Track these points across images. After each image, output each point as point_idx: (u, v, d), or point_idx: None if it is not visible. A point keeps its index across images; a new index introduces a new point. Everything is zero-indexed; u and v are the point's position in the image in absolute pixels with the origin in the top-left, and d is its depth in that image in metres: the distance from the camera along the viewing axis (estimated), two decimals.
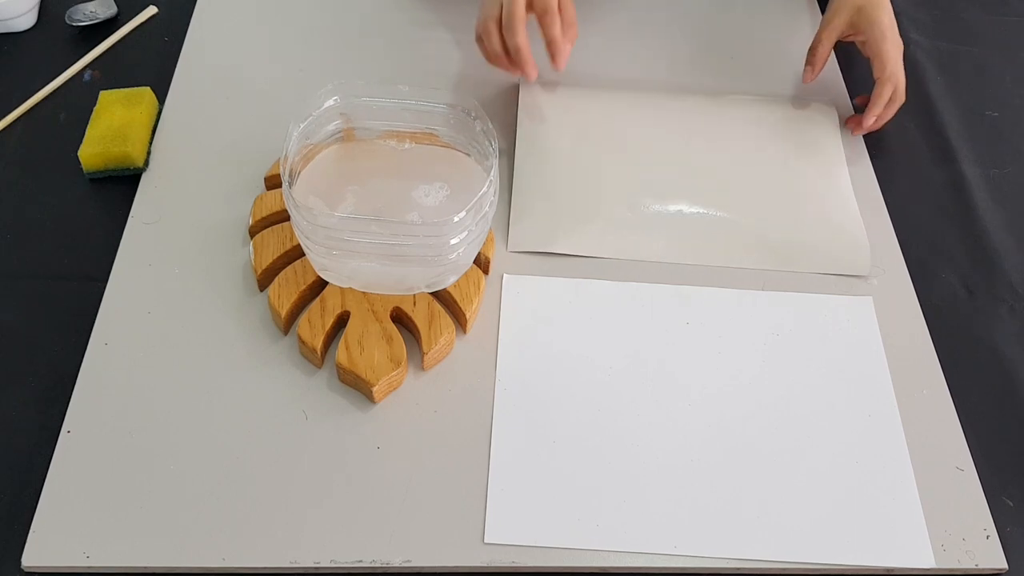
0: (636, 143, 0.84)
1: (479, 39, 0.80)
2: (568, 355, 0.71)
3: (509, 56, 0.78)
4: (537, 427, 0.66)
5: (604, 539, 0.62)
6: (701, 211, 0.79)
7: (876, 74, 0.83)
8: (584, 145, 0.83)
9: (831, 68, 0.94)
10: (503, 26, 0.77)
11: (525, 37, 0.76)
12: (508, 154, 0.83)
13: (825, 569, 0.62)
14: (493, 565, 0.60)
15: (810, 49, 0.88)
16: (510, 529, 0.62)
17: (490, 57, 0.81)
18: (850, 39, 0.87)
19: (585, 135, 0.84)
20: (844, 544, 0.62)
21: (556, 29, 0.76)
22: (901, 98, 0.84)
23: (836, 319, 0.74)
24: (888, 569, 0.62)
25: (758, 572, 0.62)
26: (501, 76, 0.89)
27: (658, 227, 0.78)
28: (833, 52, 0.90)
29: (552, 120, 0.85)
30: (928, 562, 0.62)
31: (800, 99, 0.89)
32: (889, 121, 0.85)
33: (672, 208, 0.79)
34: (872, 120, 0.84)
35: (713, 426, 0.67)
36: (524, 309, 0.73)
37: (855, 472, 0.66)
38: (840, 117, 0.88)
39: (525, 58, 0.77)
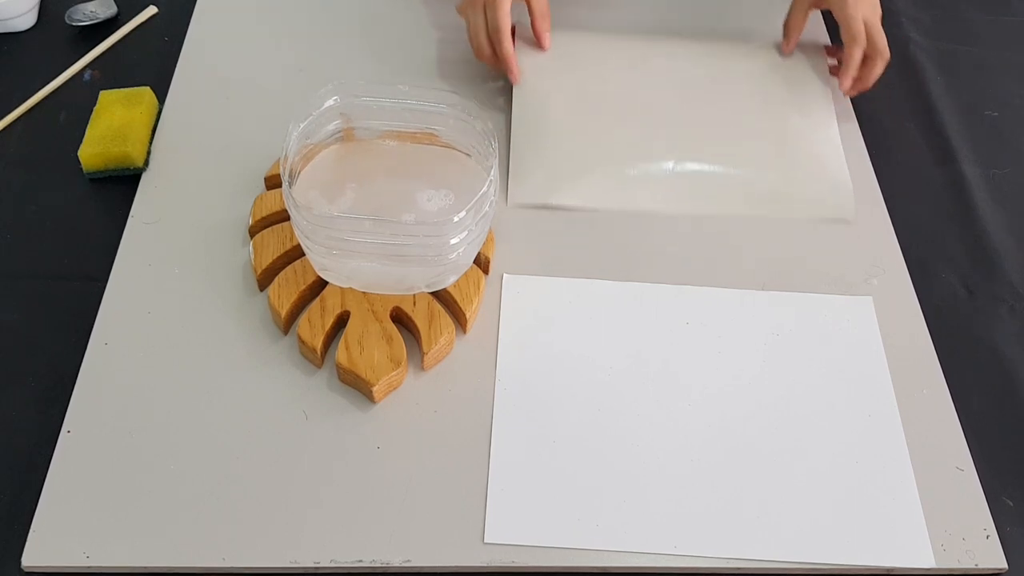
0: (630, 98, 0.85)
1: (472, 45, 0.86)
2: (568, 355, 0.71)
3: (497, 59, 0.84)
4: (537, 427, 0.66)
5: (604, 539, 0.62)
6: (693, 161, 0.82)
7: (843, 37, 0.84)
8: (579, 101, 0.85)
9: (816, 34, 0.94)
10: (490, 37, 0.83)
11: (511, 46, 0.83)
12: (505, 111, 0.86)
13: (825, 569, 0.62)
14: (493, 565, 0.60)
15: (785, 22, 0.89)
16: (510, 529, 0.62)
17: (480, 57, 0.86)
18: (823, 6, 0.87)
19: (580, 91, 0.85)
20: (844, 544, 0.62)
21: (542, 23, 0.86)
22: (883, 57, 0.84)
23: (836, 319, 0.74)
24: (888, 569, 0.62)
25: (758, 572, 0.62)
26: (500, 75, 0.89)
27: (653, 178, 0.81)
28: (823, 20, 0.94)
29: (547, 77, 0.87)
30: (928, 562, 0.62)
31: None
32: (877, 82, 0.85)
33: (666, 160, 0.82)
34: (848, 82, 0.85)
35: (713, 426, 0.67)
36: (524, 309, 0.73)
37: (855, 472, 0.66)
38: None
39: (511, 66, 0.84)
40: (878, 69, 0.84)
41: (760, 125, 0.84)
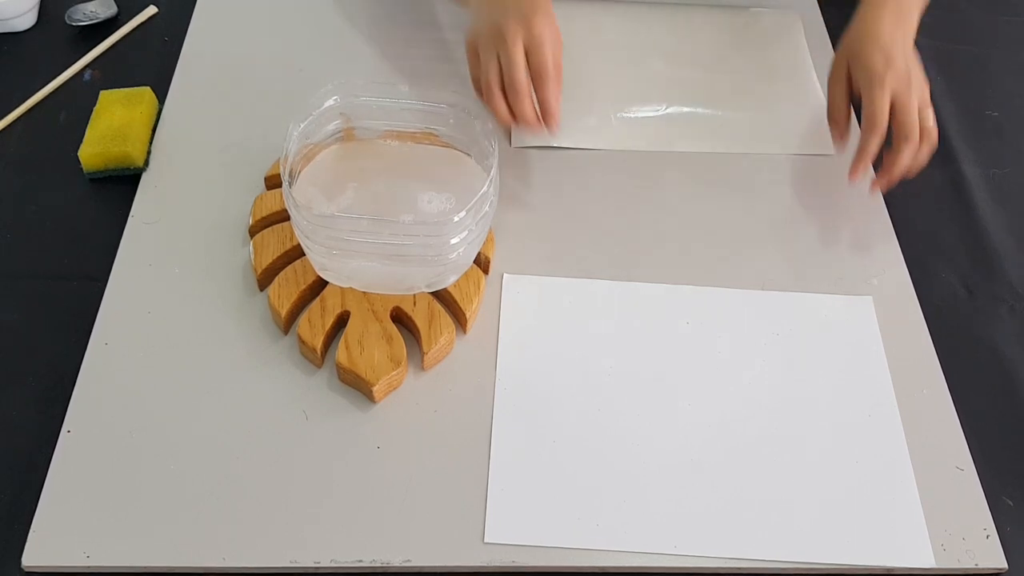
0: (624, 52, 0.91)
1: (477, 87, 0.77)
2: (568, 354, 0.70)
3: (513, 114, 0.75)
4: (537, 427, 0.66)
5: (605, 539, 0.62)
6: (682, 106, 0.88)
7: (862, 118, 0.75)
8: (577, 58, 0.87)
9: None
10: (507, 93, 0.74)
11: (531, 104, 0.74)
12: None
13: (825, 569, 0.62)
14: (493, 565, 0.60)
15: (827, 111, 0.80)
16: (510, 529, 0.62)
17: (491, 101, 0.76)
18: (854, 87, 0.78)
19: (577, 49, 0.89)
20: (844, 544, 0.62)
21: (551, 93, 0.73)
22: (908, 141, 0.73)
23: (836, 319, 0.74)
24: (888, 569, 0.62)
25: (758, 572, 0.62)
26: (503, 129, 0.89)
27: (646, 122, 0.87)
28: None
29: None
30: (928, 561, 0.62)
31: (765, 10, 0.97)
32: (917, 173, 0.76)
33: (658, 105, 0.88)
34: (858, 173, 0.74)
35: (713, 426, 0.67)
36: (524, 309, 0.73)
37: (855, 472, 0.66)
38: (805, 29, 0.96)
39: (531, 123, 0.74)
40: (904, 157, 0.73)
41: (742, 73, 0.91)
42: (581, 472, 0.65)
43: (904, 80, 0.73)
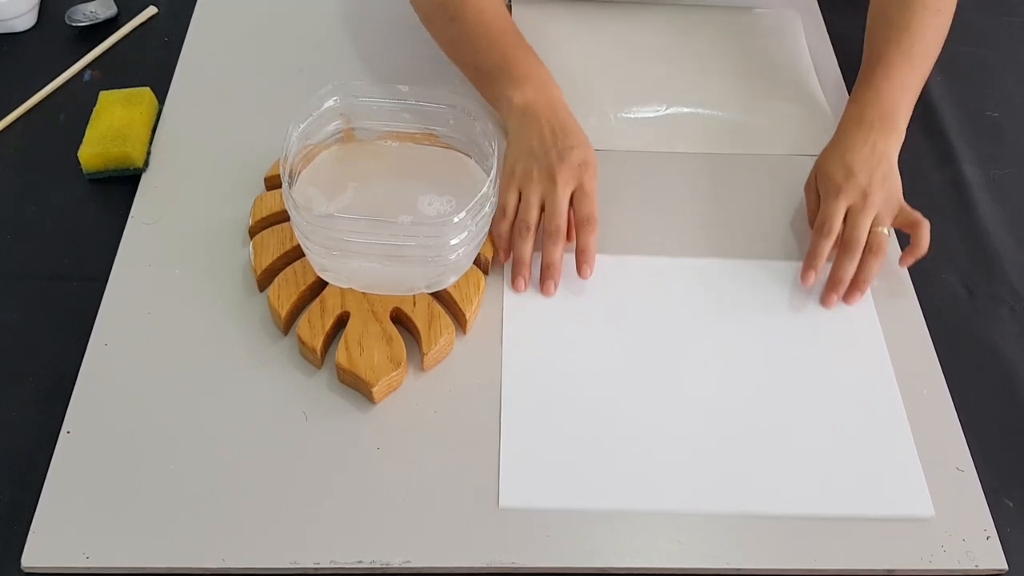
0: (623, 54, 0.92)
1: (502, 213, 0.74)
2: (574, 336, 0.71)
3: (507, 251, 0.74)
4: (545, 399, 0.68)
5: (617, 499, 0.63)
6: (682, 106, 0.88)
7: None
8: (575, 56, 0.90)
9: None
10: (514, 229, 0.73)
11: (530, 249, 0.73)
12: None
13: (824, 570, 0.62)
14: (493, 565, 0.60)
15: (807, 215, 0.79)
16: (525, 493, 0.63)
17: (518, 237, 0.73)
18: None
19: (576, 49, 0.91)
20: (845, 494, 0.64)
21: (593, 238, 0.73)
22: (850, 254, 0.72)
23: (837, 318, 0.74)
24: (889, 570, 0.62)
25: (759, 573, 0.62)
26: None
27: (646, 122, 0.87)
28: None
29: (547, 25, 0.92)
30: (927, 511, 0.63)
31: (765, 10, 0.98)
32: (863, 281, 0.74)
33: (658, 105, 0.88)
34: (807, 273, 0.73)
35: (716, 391, 0.69)
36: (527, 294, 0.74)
37: (852, 428, 0.67)
38: (805, 29, 0.96)
39: (519, 270, 0.73)
40: (843, 268, 0.73)
41: (742, 73, 0.91)
42: (592, 471, 0.65)
43: (860, 195, 0.73)
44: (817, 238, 0.74)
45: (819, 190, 0.76)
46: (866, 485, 0.65)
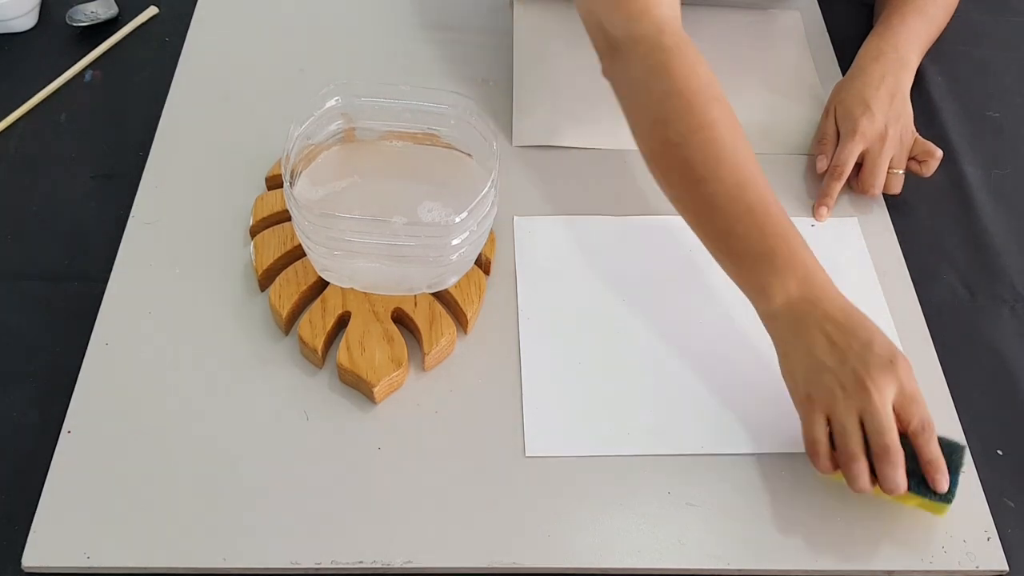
0: None
1: (814, 450, 0.61)
2: (583, 286, 0.74)
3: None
4: (561, 356, 0.69)
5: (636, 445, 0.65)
6: None
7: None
8: (579, 49, 0.87)
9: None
10: (876, 460, 0.59)
11: (867, 476, 0.59)
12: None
13: (825, 570, 0.62)
14: (494, 565, 0.60)
15: (816, 137, 0.85)
16: (547, 443, 0.65)
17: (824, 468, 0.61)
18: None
19: (580, 41, 0.87)
20: None
21: (934, 444, 0.60)
22: (865, 198, 0.79)
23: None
24: (889, 570, 0.62)
25: (758, 572, 0.62)
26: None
27: None
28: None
29: (548, 28, 0.91)
30: None
31: (765, 10, 0.98)
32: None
33: None
34: (820, 211, 0.79)
35: (721, 338, 0.71)
36: (537, 252, 0.76)
37: None
38: (806, 28, 0.96)
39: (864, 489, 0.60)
40: (835, 190, 0.79)
41: (745, 74, 0.91)
42: (609, 393, 0.68)
43: (877, 137, 0.79)
44: (831, 180, 0.79)
45: (838, 124, 0.81)
46: None
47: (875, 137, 0.79)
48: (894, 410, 0.59)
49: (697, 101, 0.64)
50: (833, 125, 0.82)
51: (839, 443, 0.60)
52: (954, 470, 0.60)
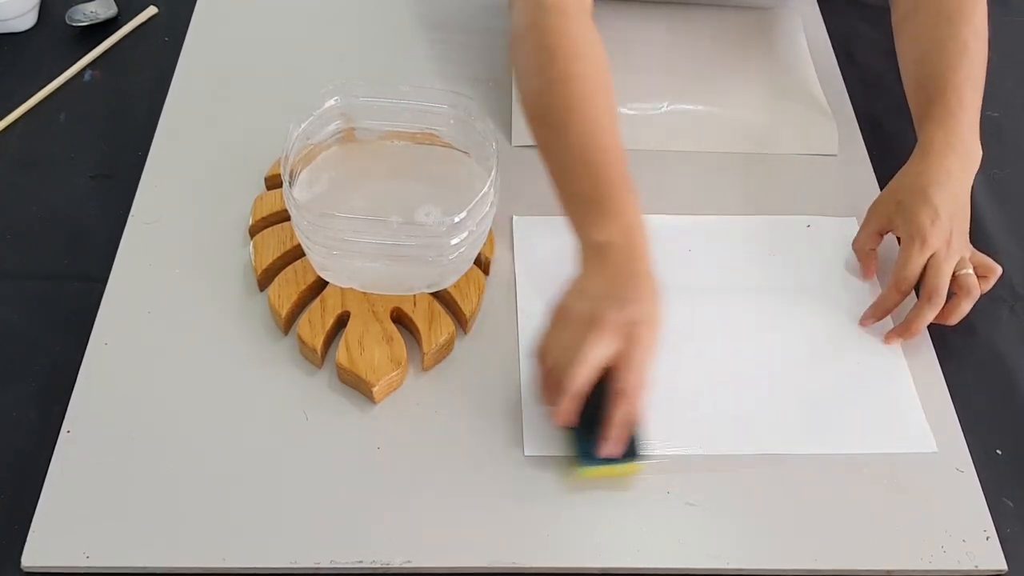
0: (628, 49, 0.90)
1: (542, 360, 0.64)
2: None
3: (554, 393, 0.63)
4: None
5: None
6: (682, 105, 0.88)
7: (893, 270, 0.72)
8: None
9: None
10: (542, 381, 0.64)
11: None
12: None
13: (825, 570, 0.62)
14: (493, 565, 0.60)
15: (853, 244, 0.77)
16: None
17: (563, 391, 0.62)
18: (890, 230, 0.75)
19: None
20: (853, 435, 0.67)
21: (621, 415, 0.61)
22: (932, 303, 0.70)
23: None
24: (889, 570, 0.62)
25: (758, 572, 0.62)
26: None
27: (645, 121, 0.86)
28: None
29: None
30: (930, 447, 0.66)
31: (765, 10, 0.97)
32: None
33: (657, 104, 0.87)
34: (871, 321, 0.73)
35: (728, 340, 0.72)
36: (536, 249, 0.76)
37: (857, 375, 0.71)
38: (806, 28, 0.96)
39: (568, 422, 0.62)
40: (924, 317, 0.70)
41: (744, 75, 0.91)
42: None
43: (944, 242, 0.71)
44: (894, 292, 0.72)
45: (897, 229, 0.73)
46: (871, 425, 0.68)
47: (941, 242, 0.71)
48: (611, 367, 0.60)
49: (560, 55, 0.69)
50: (884, 222, 0.75)
51: (553, 365, 0.62)
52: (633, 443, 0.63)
